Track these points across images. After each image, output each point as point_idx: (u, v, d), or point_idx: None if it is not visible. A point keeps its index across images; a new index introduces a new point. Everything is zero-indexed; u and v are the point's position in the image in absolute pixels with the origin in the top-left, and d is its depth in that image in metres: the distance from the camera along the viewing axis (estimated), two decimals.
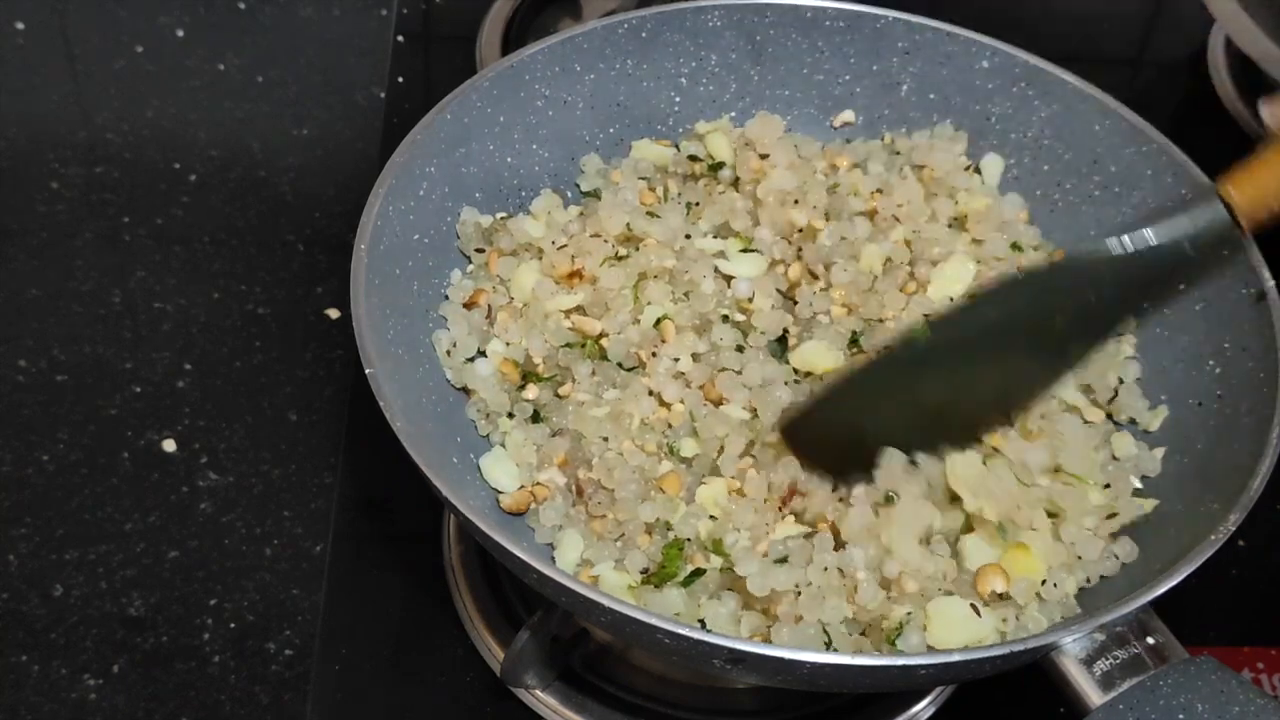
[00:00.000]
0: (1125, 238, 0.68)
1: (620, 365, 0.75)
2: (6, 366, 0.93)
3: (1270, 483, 0.65)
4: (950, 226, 0.83)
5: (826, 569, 0.66)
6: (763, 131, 0.84)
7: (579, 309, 0.77)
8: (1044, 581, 0.68)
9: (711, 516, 0.69)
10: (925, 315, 0.73)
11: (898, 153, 0.87)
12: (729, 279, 0.79)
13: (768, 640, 0.65)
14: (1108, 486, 0.72)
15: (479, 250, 0.80)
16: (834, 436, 0.71)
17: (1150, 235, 0.68)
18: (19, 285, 0.98)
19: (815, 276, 0.79)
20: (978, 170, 0.87)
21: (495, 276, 0.79)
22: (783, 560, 0.66)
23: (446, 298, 0.78)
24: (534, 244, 0.79)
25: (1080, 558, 0.69)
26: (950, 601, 0.66)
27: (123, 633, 0.80)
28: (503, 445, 0.74)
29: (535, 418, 0.74)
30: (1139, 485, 0.74)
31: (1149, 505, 0.72)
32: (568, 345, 0.75)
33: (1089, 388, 0.77)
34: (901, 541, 0.66)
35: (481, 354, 0.77)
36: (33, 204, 1.04)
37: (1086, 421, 0.76)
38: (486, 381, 0.75)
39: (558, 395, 0.75)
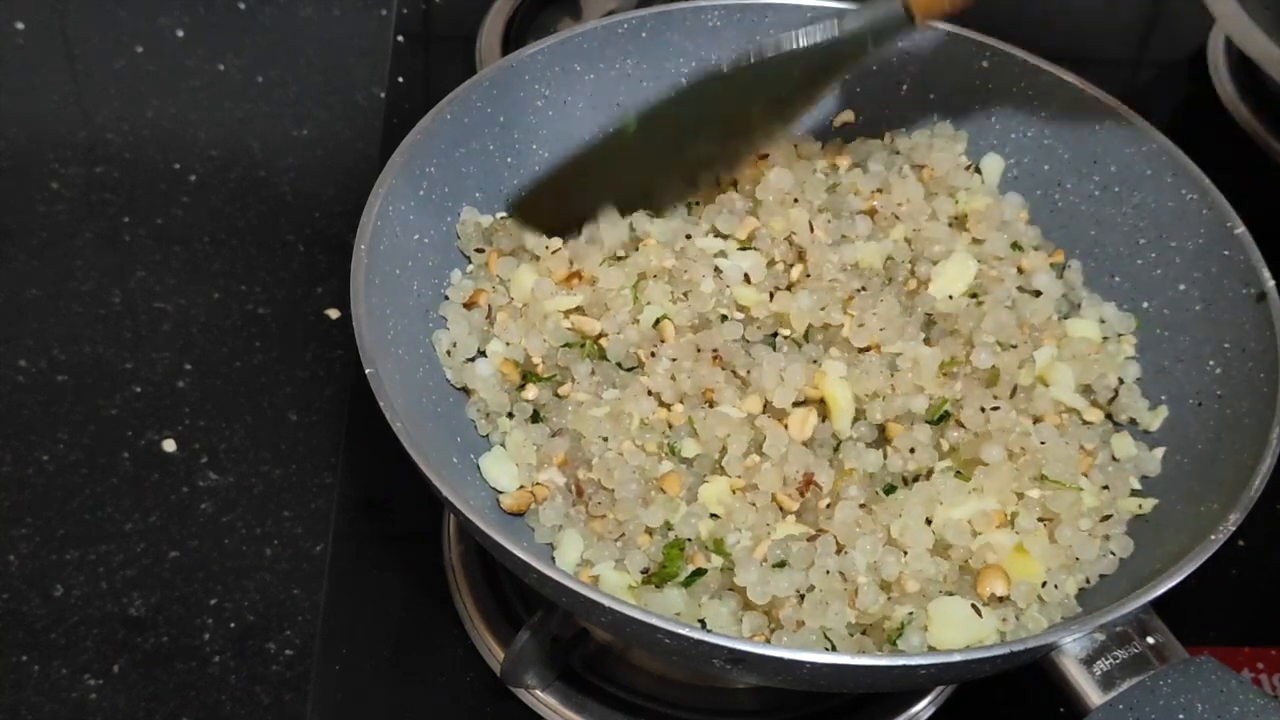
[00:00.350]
0: (806, 31, 0.75)
1: (619, 365, 0.75)
2: (6, 366, 0.93)
3: (1270, 483, 0.65)
4: (950, 225, 0.83)
5: (829, 572, 0.66)
6: None
7: (578, 309, 0.77)
8: (1044, 584, 0.68)
9: (714, 515, 0.69)
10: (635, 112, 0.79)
11: (897, 152, 0.87)
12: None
13: (769, 640, 0.65)
14: (1105, 488, 0.72)
15: (479, 250, 0.80)
16: (558, 204, 0.79)
17: (833, 28, 0.75)
18: (19, 285, 0.98)
19: (811, 275, 0.79)
20: (978, 170, 0.87)
21: (495, 277, 0.79)
22: (781, 564, 0.66)
23: (446, 298, 0.78)
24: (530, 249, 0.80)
25: (1078, 559, 0.69)
26: (951, 602, 0.66)
27: (123, 633, 0.80)
28: (502, 445, 0.74)
29: (535, 418, 0.74)
30: (1138, 485, 0.74)
31: (1148, 505, 0.72)
32: (567, 345, 0.75)
33: (1089, 388, 0.77)
34: (911, 531, 0.67)
35: (482, 354, 0.77)
36: (33, 204, 1.04)
37: (1086, 422, 0.76)
38: (486, 381, 0.75)
39: (557, 395, 0.75)
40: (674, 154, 0.80)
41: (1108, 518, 0.71)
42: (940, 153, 0.85)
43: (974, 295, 0.78)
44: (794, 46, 0.75)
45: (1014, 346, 0.75)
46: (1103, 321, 0.80)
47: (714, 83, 0.77)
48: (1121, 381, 0.77)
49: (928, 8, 0.74)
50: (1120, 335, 0.80)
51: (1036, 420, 0.74)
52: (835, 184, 0.83)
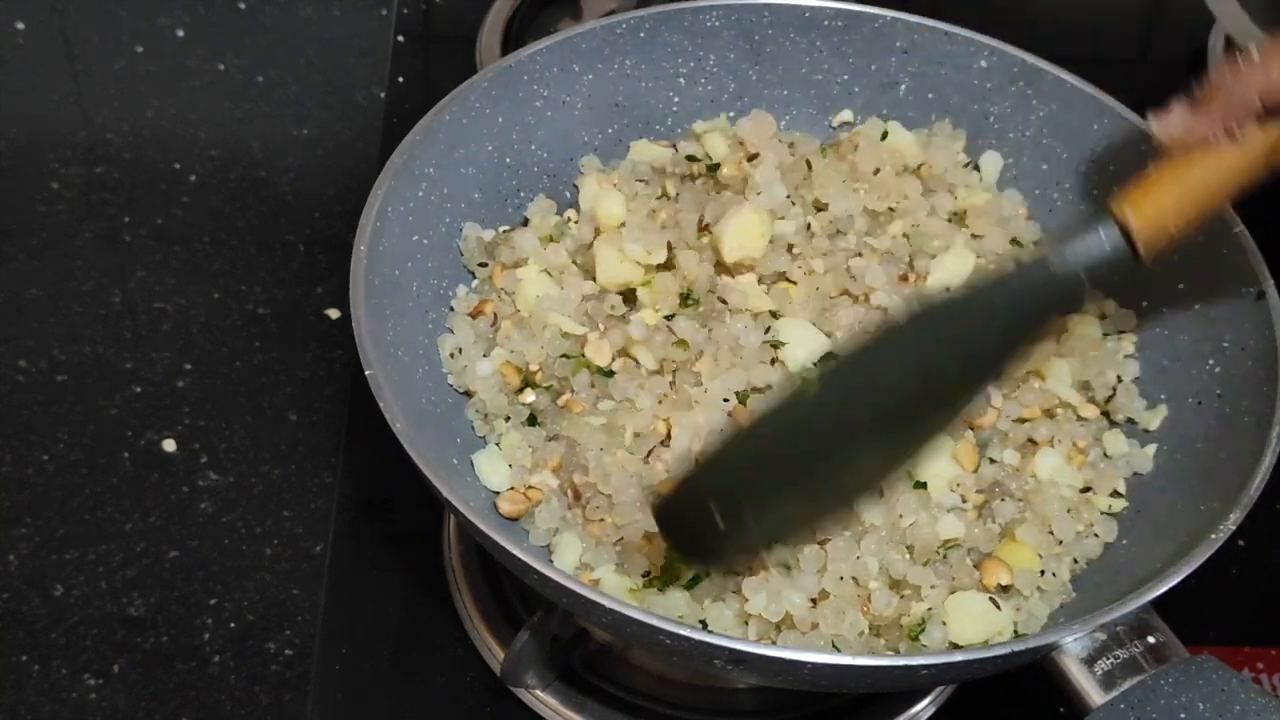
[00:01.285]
0: (1022, 276, 0.63)
1: (613, 374, 0.75)
2: (6, 366, 0.93)
3: (1270, 483, 0.65)
4: (949, 221, 0.83)
5: (843, 578, 0.66)
6: (753, 131, 0.83)
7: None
8: (1042, 572, 0.68)
9: None
10: (814, 365, 0.67)
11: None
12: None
13: (774, 641, 0.65)
14: (1088, 489, 0.73)
15: (482, 265, 0.80)
16: (706, 518, 0.62)
17: (1050, 263, 0.62)
18: (19, 285, 0.98)
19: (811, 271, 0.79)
20: (976, 167, 0.87)
21: (500, 289, 0.79)
22: (786, 567, 0.66)
23: (451, 308, 0.78)
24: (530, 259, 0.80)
25: (1061, 542, 0.70)
26: (968, 596, 0.66)
27: (123, 633, 0.80)
28: (498, 445, 0.74)
29: (532, 420, 0.74)
30: (1121, 488, 0.74)
31: (1117, 505, 0.73)
32: (565, 356, 0.75)
33: (1087, 385, 0.77)
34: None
35: (484, 356, 0.77)
36: (33, 204, 1.04)
37: (1081, 419, 0.76)
38: (486, 382, 0.75)
39: (555, 403, 0.75)
40: (866, 431, 0.63)
41: (1087, 490, 0.72)
42: (938, 150, 0.85)
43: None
44: (991, 294, 0.62)
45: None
46: (1103, 318, 0.80)
47: (897, 342, 0.63)
48: (1120, 380, 0.77)
49: (1154, 241, 0.59)
50: (1120, 332, 0.80)
51: (1025, 420, 0.74)
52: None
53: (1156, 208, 0.60)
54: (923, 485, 0.70)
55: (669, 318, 0.75)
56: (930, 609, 0.66)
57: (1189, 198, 0.60)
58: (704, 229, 0.79)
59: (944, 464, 0.71)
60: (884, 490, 0.67)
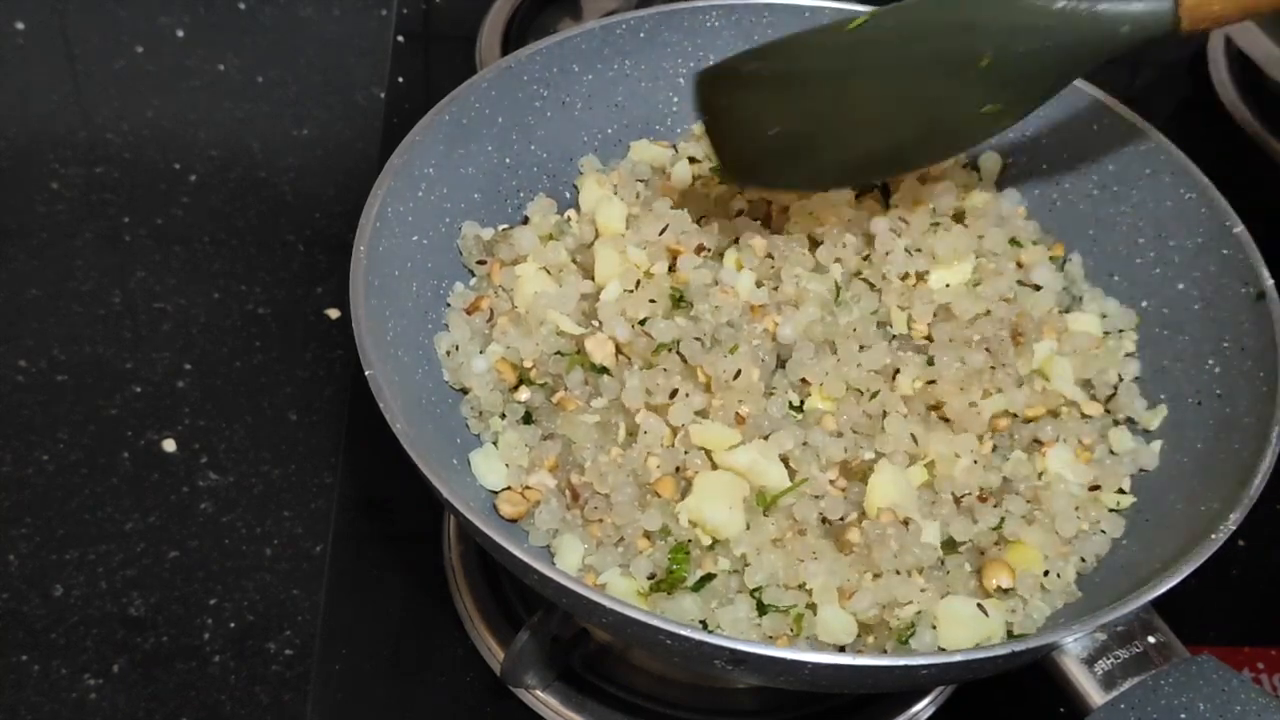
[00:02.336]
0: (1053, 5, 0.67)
1: (607, 372, 0.75)
2: (6, 366, 0.93)
3: (1270, 483, 0.65)
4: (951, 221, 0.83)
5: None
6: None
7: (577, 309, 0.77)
8: (1046, 572, 0.68)
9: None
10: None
11: None
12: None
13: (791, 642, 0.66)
14: (1095, 487, 0.72)
15: (480, 263, 0.80)
16: (748, 117, 0.71)
17: (1096, 5, 0.66)
18: (19, 285, 0.98)
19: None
20: (975, 168, 0.87)
21: (498, 286, 0.79)
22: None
23: (449, 305, 0.78)
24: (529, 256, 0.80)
25: (1070, 541, 0.70)
26: (957, 601, 0.66)
27: (123, 633, 0.80)
28: (494, 444, 0.74)
29: (527, 418, 0.74)
30: (1126, 486, 0.74)
31: (1125, 501, 0.73)
32: (559, 353, 0.75)
33: (1089, 383, 0.77)
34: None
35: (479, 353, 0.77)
36: (33, 204, 1.04)
37: (1085, 416, 0.76)
38: (481, 379, 0.75)
39: (550, 400, 0.75)
40: (890, 95, 0.71)
41: (1095, 488, 0.72)
42: None
43: (975, 284, 0.78)
44: (1030, 13, 0.66)
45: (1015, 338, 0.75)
46: (1104, 316, 0.80)
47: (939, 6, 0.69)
48: (1121, 379, 0.77)
49: (1199, 17, 0.64)
50: (1121, 331, 0.80)
51: (1031, 420, 0.74)
52: None
53: None
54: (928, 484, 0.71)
55: (642, 322, 0.75)
56: (919, 612, 0.66)
57: None
58: (702, 250, 0.79)
59: (951, 464, 0.71)
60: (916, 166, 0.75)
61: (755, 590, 0.66)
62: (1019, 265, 0.81)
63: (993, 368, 0.74)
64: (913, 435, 0.70)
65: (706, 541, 0.68)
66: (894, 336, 0.75)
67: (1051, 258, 0.82)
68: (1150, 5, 0.66)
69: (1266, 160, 1.13)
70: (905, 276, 0.78)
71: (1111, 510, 0.73)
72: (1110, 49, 0.67)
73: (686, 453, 0.70)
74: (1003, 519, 0.70)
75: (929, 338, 0.75)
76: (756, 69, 0.72)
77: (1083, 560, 0.70)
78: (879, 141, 0.72)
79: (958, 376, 0.72)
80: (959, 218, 0.83)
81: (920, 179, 0.83)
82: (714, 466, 0.70)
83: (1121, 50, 0.67)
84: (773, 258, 0.77)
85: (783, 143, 0.71)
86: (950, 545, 0.70)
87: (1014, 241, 0.82)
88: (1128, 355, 0.79)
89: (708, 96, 0.73)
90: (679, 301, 0.77)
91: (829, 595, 0.66)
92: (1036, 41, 0.67)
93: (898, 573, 0.67)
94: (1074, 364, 0.76)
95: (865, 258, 0.79)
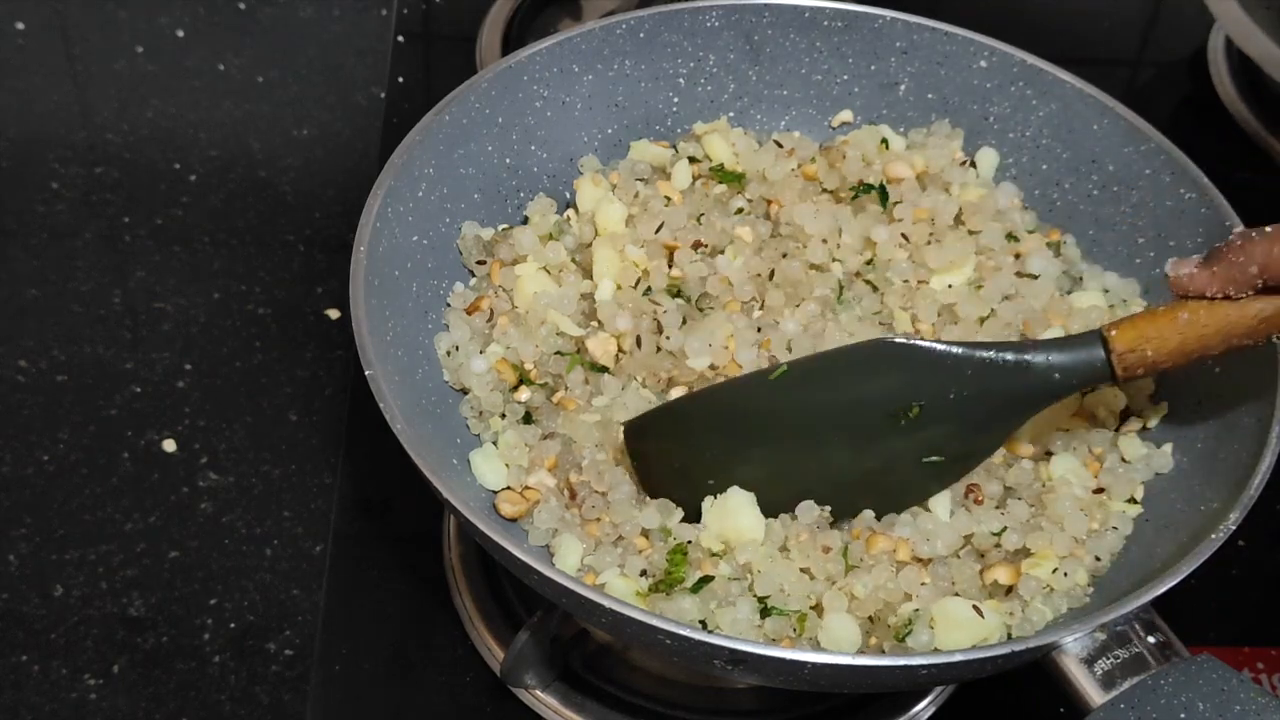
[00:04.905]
0: (998, 350, 0.66)
1: (608, 371, 0.75)
2: (6, 366, 0.93)
3: (1270, 483, 0.65)
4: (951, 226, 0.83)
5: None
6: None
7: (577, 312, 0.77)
8: (1054, 570, 0.68)
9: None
10: (784, 364, 0.70)
11: (884, 139, 0.87)
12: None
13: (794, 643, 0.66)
14: (1101, 490, 0.72)
15: (480, 263, 0.80)
16: (676, 459, 0.70)
17: (1025, 354, 0.66)
18: (19, 285, 0.98)
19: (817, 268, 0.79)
20: (973, 164, 0.87)
21: (498, 286, 0.79)
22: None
23: (449, 305, 0.78)
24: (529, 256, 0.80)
25: (1079, 540, 0.70)
26: (954, 603, 0.66)
27: (123, 633, 0.80)
28: (494, 444, 0.74)
29: (527, 418, 0.74)
30: (1139, 495, 0.74)
31: (1132, 510, 0.72)
32: (559, 353, 0.75)
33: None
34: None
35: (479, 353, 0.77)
36: (33, 204, 1.04)
37: (1095, 426, 0.75)
38: (481, 379, 0.75)
39: (550, 400, 0.75)
40: (813, 463, 0.69)
41: (1099, 491, 0.72)
42: (934, 150, 0.85)
43: (977, 287, 0.78)
44: (956, 363, 0.66)
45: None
46: (1106, 291, 0.81)
47: (872, 356, 0.68)
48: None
49: (1129, 356, 0.64)
50: (1125, 301, 0.80)
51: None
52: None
53: (1140, 336, 0.64)
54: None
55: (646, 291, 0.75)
56: (917, 610, 0.66)
57: (1178, 337, 0.64)
58: (698, 245, 0.79)
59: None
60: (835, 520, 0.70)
61: (764, 598, 0.66)
62: (1016, 257, 0.81)
63: None
64: None
65: (717, 548, 0.68)
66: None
67: (1049, 244, 0.82)
68: (1079, 355, 0.66)
69: (1266, 160, 1.13)
70: (907, 280, 0.78)
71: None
72: (1046, 395, 0.67)
73: None
74: (1004, 529, 0.70)
75: (939, 339, 0.75)
76: (682, 414, 0.71)
77: (1097, 559, 0.70)
78: (819, 487, 0.69)
79: None
80: (956, 216, 0.83)
81: (920, 183, 0.83)
82: None
83: (1062, 395, 0.67)
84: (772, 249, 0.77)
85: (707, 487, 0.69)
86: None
87: (1011, 236, 0.82)
88: None
89: (634, 445, 0.71)
90: (676, 296, 0.77)
91: (837, 602, 0.66)
92: (969, 388, 0.66)
93: (903, 563, 0.67)
94: None
95: (868, 262, 0.79)
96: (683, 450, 0.70)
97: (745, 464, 0.69)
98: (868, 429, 0.68)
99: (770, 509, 0.69)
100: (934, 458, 0.68)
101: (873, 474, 0.69)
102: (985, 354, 0.66)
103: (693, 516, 0.69)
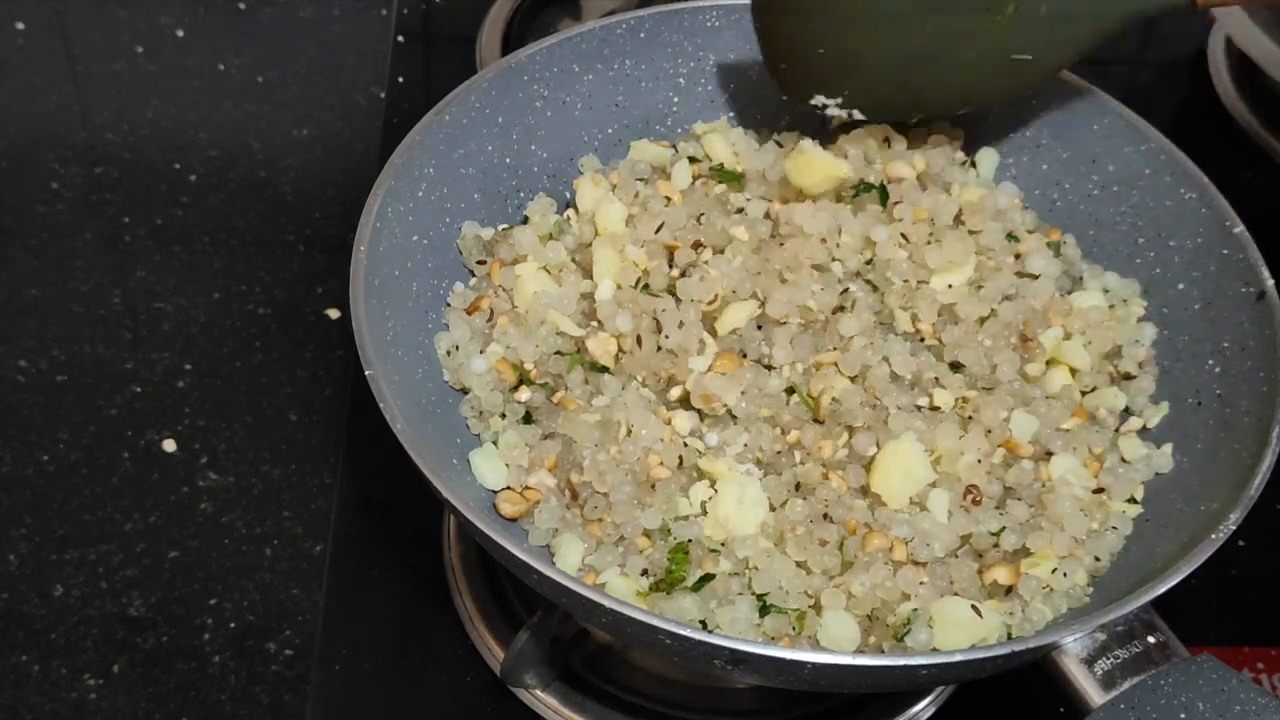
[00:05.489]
0: None
1: (608, 371, 0.75)
2: (6, 366, 0.93)
3: (1270, 483, 0.65)
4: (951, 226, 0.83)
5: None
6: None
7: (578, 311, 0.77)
8: (1054, 570, 0.68)
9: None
10: None
11: (887, 139, 0.87)
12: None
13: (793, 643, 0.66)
14: (1100, 490, 0.72)
15: (480, 262, 0.80)
16: (798, 37, 0.78)
17: None
18: (19, 285, 0.98)
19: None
20: (973, 164, 0.87)
21: (498, 286, 0.79)
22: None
23: (449, 305, 0.78)
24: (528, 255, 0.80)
25: (1080, 540, 0.70)
26: (953, 603, 0.66)
27: (123, 633, 0.80)
28: (494, 444, 0.74)
29: (527, 418, 0.74)
30: (1139, 495, 0.74)
31: (1132, 510, 0.72)
32: (558, 353, 0.75)
33: (1111, 360, 0.77)
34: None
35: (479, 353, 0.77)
36: (33, 204, 1.04)
37: (1096, 427, 0.75)
38: (481, 379, 0.75)
39: (551, 400, 0.75)
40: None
41: (1099, 491, 0.72)
42: (934, 149, 0.85)
43: (977, 287, 0.78)
44: None
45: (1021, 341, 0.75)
46: (1106, 291, 0.81)
47: None
48: (1141, 367, 0.77)
49: None
50: (1125, 301, 0.80)
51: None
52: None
53: None
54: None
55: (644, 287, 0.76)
56: (916, 609, 0.66)
57: None
58: (698, 245, 0.79)
59: (956, 459, 0.71)
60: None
61: (762, 595, 0.66)
62: (1016, 257, 0.81)
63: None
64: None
65: (717, 539, 0.68)
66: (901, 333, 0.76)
67: (1049, 244, 0.82)
68: None
69: (1266, 160, 1.13)
70: (907, 280, 0.78)
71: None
72: (1129, 12, 0.73)
73: (686, 444, 0.70)
74: (1003, 528, 0.70)
75: (939, 339, 0.75)
76: None
77: (1096, 560, 0.70)
78: (924, 75, 0.77)
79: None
80: (956, 216, 0.83)
81: (920, 183, 0.83)
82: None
83: (1141, 15, 0.73)
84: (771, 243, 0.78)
85: (830, 62, 0.78)
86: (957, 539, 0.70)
87: (1011, 236, 0.82)
88: (1140, 320, 0.79)
89: (762, 17, 0.80)
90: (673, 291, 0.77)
91: (836, 600, 0.66)
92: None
93: (902, 563, 0.67)
94: (1090, 340, 0.76)
95: (868, 262, 0.79)
96: (805, 23, 0.77)
97: (862, 43, 0.76)
98: (972, 20, 0.74)
99: (882, 95, 0.80)
100: (1021, 55, 0.75)
101: (971, 62, 0.76)
102: None
103: (828, 89, 0.79)
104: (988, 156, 0.87)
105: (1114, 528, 0.70)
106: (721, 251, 0.79)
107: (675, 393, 0.74)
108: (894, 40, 0.76)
